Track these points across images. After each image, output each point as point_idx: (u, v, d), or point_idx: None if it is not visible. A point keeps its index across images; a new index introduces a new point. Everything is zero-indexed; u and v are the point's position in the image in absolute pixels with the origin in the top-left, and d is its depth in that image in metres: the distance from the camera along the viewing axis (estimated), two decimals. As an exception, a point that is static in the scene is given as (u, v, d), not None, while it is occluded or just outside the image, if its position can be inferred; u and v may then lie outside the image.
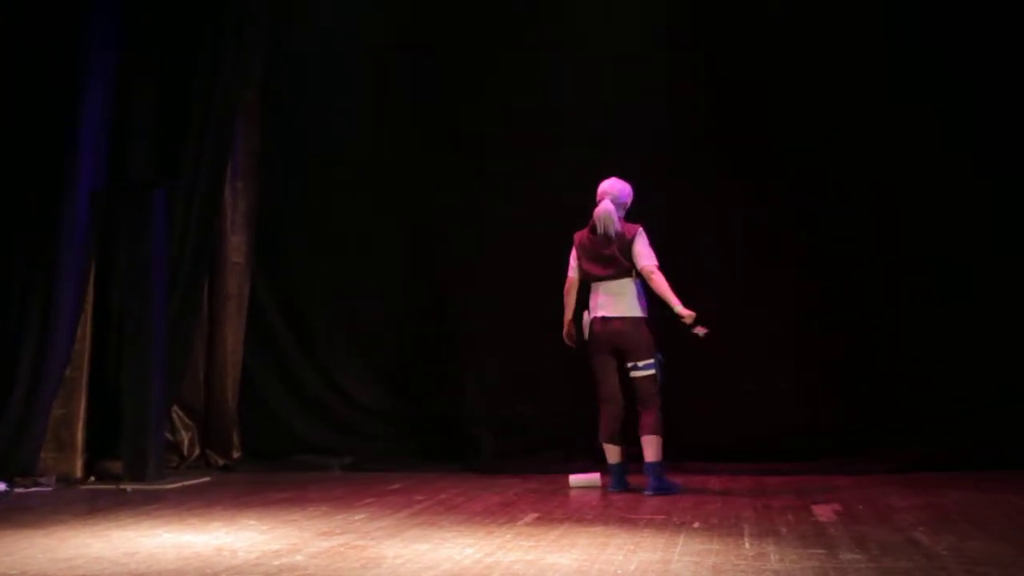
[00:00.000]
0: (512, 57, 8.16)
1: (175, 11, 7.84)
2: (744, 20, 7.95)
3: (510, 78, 8.16)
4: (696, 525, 5.19)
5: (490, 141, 8.18)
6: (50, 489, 6.87)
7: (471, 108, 8.23)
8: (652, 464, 6.41)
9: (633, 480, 6.58)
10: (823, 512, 5.55)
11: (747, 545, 4.67)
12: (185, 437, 8.00)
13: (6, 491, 6.63)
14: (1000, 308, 7.59)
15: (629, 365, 6.48)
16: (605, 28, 8.05)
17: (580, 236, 6.63)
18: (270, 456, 8.04)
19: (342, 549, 4.69)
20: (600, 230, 6.49)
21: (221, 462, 7.93)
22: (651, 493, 6.32)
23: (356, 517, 5.54)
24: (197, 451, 8.02)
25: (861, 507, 5.70)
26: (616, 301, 6.48)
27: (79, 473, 7.25)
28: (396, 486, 6.82)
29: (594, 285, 6.59)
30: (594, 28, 8.08)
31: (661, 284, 6.37)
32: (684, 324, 6.33)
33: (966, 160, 7.63)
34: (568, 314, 6.69)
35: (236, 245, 8.14)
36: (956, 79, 7.66)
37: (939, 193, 7.65)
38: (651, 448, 6.41)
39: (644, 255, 6.43)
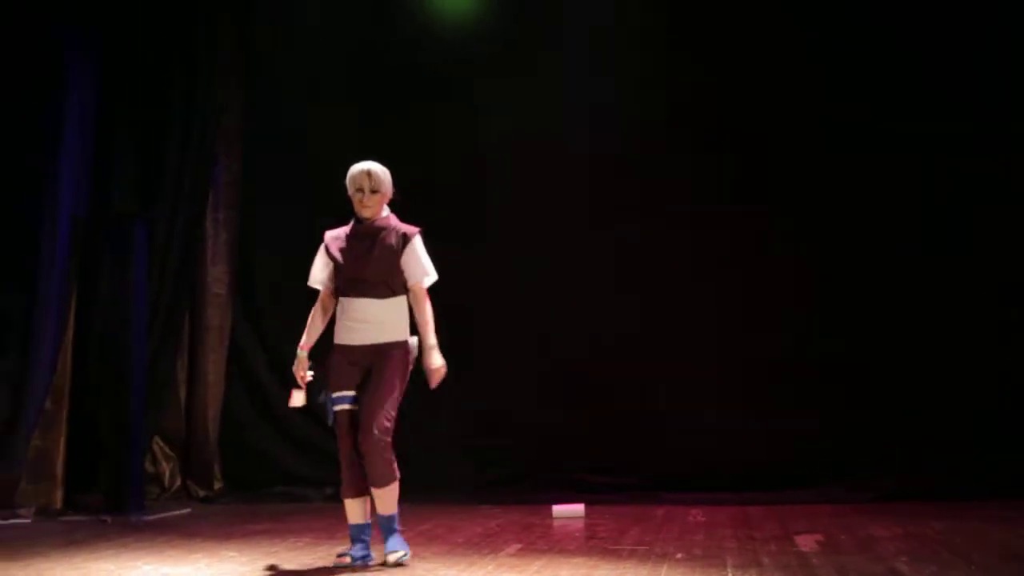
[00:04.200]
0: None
1: (152, 41, 7.85)
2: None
3: (494, 121, 8.22)
4: (679, 556, 5.19)
5: (469, 176, 8.20)
6: (28, 521, 6.82)
7: (456, 139, 8.25)
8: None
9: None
10: (805, 542, 5.55)
11: (730, 576, 4.68)
12: (166, 468, 7.98)
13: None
14: (977, 340, 7.62)
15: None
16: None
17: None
18: (251, 487, 8.02)
19: (324, 581, 4.68)
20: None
21: (202, 493, 7.89)
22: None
23: (337, 549, 5.50)
24: (178, 482, 7.99)
25: (843, 537, 5.71)
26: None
27: (58, 505, 7.19)
28: (378, 517, 6.77)
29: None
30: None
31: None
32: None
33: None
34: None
35: (217, 276, 8.12)
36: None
37: (892, 212, 7.73)
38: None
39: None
